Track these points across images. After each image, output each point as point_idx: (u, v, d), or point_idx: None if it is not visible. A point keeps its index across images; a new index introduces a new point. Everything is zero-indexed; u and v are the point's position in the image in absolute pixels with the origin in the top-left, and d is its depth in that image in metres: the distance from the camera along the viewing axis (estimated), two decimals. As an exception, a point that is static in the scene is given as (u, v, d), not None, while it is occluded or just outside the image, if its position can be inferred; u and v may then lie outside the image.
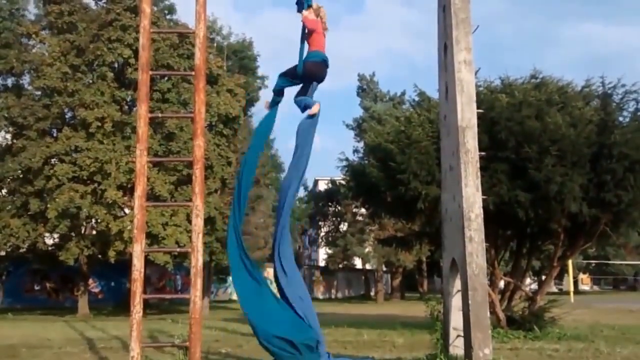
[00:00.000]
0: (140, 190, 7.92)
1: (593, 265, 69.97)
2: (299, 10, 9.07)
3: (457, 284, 9.92)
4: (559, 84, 18.26)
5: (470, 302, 9.03)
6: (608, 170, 16.11)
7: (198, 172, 7.91)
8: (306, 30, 8.95)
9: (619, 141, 16.04)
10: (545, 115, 16.42)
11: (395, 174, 17.37)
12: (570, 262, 42.86)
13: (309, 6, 9.02)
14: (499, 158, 16.33)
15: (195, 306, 7.68)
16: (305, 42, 9.05)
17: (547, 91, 17.56)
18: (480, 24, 10.28)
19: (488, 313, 9.25)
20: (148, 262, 26.85)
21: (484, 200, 9.71)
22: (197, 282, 7.71)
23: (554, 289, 61.01)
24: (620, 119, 17.31)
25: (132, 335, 7.59)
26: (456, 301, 9.98)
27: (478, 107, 10.02)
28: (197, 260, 7.72)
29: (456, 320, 9.99)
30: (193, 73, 8.13)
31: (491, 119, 16.52)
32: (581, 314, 25.44)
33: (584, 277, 77.26)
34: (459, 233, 9.39)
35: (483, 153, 9.90)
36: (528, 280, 41.23)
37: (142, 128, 8.02)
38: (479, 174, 9.41)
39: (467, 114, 9.46)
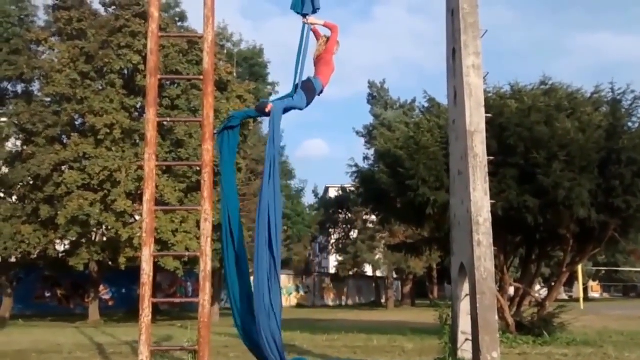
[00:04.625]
0: (149, 194, 7.94)
1: (603, 272, 69.66)
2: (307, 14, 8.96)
3: (466, 288, 9.92)
4: (568, 90, 18.26)
5: (478, 305, 9.02)
6: (617, 175, 16.09)
7: (207, 177, 7.91)
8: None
9: (627, 146, 16.03)
10: (555, 121, 16.42)
11: (405, 180, 17.39)
12: (580, 269, 42.74)
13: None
14: (508, 163, 16.34)
15: (204, 310, 7.68)
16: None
17: (556, 97, 17.58)
18: (490, 32, 10.24)
19: (496, 317, 9.25)
20: (159, 269, 26.90)
21: (493, 206, 9.70)
22: (206, 286, 7.71)
23: (564, 296, 60.80)
24: (630, 124, 17.31)
25: (141, 339, 7.60)
26: (465, 305, 9.98)
27: (487, 113, 10.02)
28: (206, 264, 7.72)
29: (465, 324, 9.99)
30: (202, 77, 8.14)
31: (500, 125, 16.52)
32: (590, 320, 25.39)
33: (593, 285, 76.94)
34: (468, 237, 9.39)
35: (491, 157, 9.91)
36: (537, 287, 41.15)
37: (151, 132, 8.04)
38: (487, 178, 9.42)
39: (475, 119, 9.47)
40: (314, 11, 8.93)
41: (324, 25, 8.87)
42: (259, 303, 8.09)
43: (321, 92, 8.76)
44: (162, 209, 22.23)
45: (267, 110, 8.65)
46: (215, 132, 8.64)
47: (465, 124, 9.44)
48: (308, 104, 8.76)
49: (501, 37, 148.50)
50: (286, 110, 8.78)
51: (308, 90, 8.64)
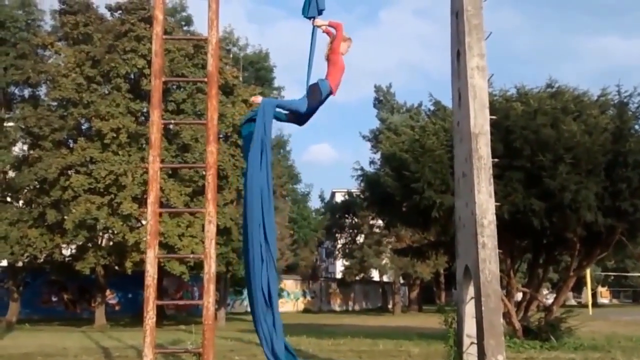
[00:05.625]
0: (153, 196, 7.92)
1: (612, 278, 69.41)
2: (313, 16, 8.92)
3: (471, 291, 9.85)
4: (574, 93, 18.20)
5: (483, 308, 8.96)
6: (623, 178, 16.01)
7: (211, 179, 7.89)
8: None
9: (634, 149, 15.96)
10: (561, 124, 16.36)
11: (410, 183, 17.35)
12: (588, 274, 42.54)
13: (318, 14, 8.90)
14: (514, 166, 16.30)
15: (208, 312, 7.66)
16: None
17: (562, 100, 17.51)
18: (496, 35, 10.18)
19: (501, 319, 9.19)
20: (165, 274, 26.96)
21: (498, 209, 9.64)
22: (210, 289, 7.69)
23: (573, 302, 60.65)
24: (636, 127, 17.24)
25: (146, 341, 7.58)
26: (470, 308, 9.91)
27: (493, 115, 9.96)
28: (210, 266, 7.70)
29: (470, 327, 9.92)
30: (206, 79, 8.13)
31: (506, 128, 16.49)
32: (599, 325, 25.31)
33: (602, 290, 76.68)
34: (472, 240, 9.32)
35: (496, 159, 9.86)
36: (546, 292, 40.97)
37: (155, 134, 8.03)
38: (491, 180, 9.36)
39: (479, 120, 9.41)
40: (319, 12, 8.89)
41: (329, 25, 8.82)
42: (257, 293, 8.04)
43: (330, 92, 8.62)
44: (166, 211, 22.30)
45: (256, 101, 8.65)
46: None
47: (469, 126, 9.38)
48: (311, 106, 8.60)
49: (508, 41, 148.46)
50: (285, 111, 8.74)
51: (312, 92, 8.55)
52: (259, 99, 8.67)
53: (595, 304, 54.91)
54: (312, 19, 8.91)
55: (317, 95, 8.48)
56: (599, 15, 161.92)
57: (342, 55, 8.67)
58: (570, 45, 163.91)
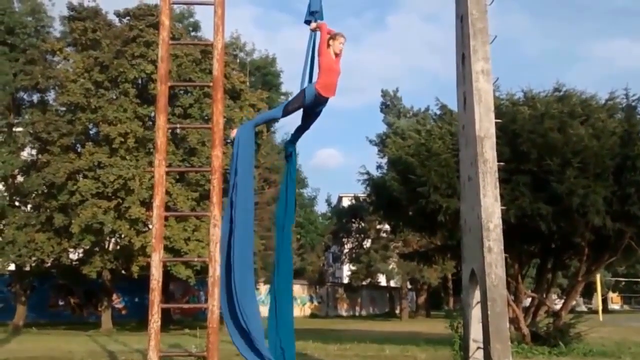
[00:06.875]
0: (158, 200, 7.95)
1: (623, 283, 69.09)
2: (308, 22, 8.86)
3: (477, 295, 9.82)
4: (582, 96, 18.14)
5: (489, 313, 8.92)
6: (632, 182, 15.94)
7: (216, 182, 7.91)
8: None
9: (643, 153, 15.89)
10: (568, 128, 16.31)
11: (416, 187, 17.32)
12: (598, 280, 42.34)
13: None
14: (521, 170, 16.25)
15: (213, 315, 7.67)
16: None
17: (569, 103, 17.47)
18: (504, 40, 10.18)
19: (507, 324, 9.15)
20: (171, 278, 26.91)
21: (506, 213, 9.63)
22: (215, 292, 7.70)
23: (583, 308, 60.48)
24: (645, 130, 17.16)
25: (150, 345, 7.59)
26: (476, 313, 9.87)
27: (500, 119, 9.94)
28: (215, 270, 7.72)
29: (476, 332, 9.88)
30: (211, 84, 8.15)
31: (513, 132, 16.45)
32: (609, 331, 25.20)
33: (613, 296, 76.40)
34: (478, 244, 9.30)
35: (502, 163, 9.83)
36: (555, 297, 40.83)
37: (161, 138, 8.06)
38: (497, 184, 9.33)
39: (485, 124, 9.38)
40: (312, 15, 8.80)
41: (316, 28, 8.70)
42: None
43: (318, 95, 8.20)
44: (171, 215, 22.32)
45: (232, 135, 8.65)
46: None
47: (474, 130, 9.36)
48: (288, 110, 8.37)
49: (517, 45, 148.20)
50: (293, 136, 8.82)
51: (297, 97, 8.36)
52: (234, 132, 8.57)
53: (606, 310, 54.73)
54: (308, 23, 8.87)
55: (299, 100, 8.27)
56: (608, 19, 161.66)
57: (334, 54, 8.31)
58: (579, 49, 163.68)
